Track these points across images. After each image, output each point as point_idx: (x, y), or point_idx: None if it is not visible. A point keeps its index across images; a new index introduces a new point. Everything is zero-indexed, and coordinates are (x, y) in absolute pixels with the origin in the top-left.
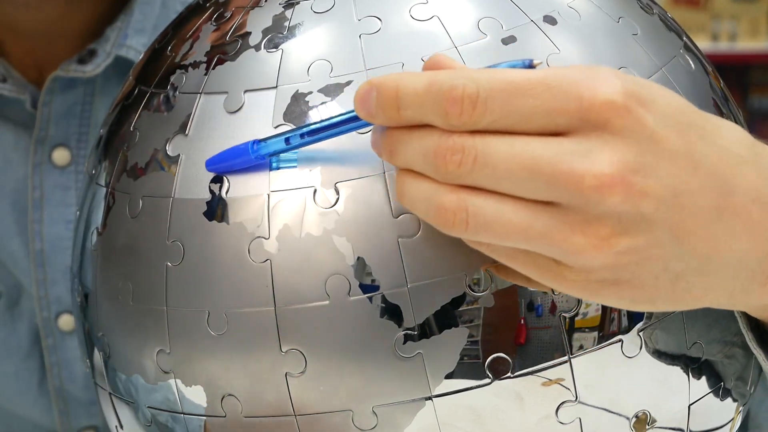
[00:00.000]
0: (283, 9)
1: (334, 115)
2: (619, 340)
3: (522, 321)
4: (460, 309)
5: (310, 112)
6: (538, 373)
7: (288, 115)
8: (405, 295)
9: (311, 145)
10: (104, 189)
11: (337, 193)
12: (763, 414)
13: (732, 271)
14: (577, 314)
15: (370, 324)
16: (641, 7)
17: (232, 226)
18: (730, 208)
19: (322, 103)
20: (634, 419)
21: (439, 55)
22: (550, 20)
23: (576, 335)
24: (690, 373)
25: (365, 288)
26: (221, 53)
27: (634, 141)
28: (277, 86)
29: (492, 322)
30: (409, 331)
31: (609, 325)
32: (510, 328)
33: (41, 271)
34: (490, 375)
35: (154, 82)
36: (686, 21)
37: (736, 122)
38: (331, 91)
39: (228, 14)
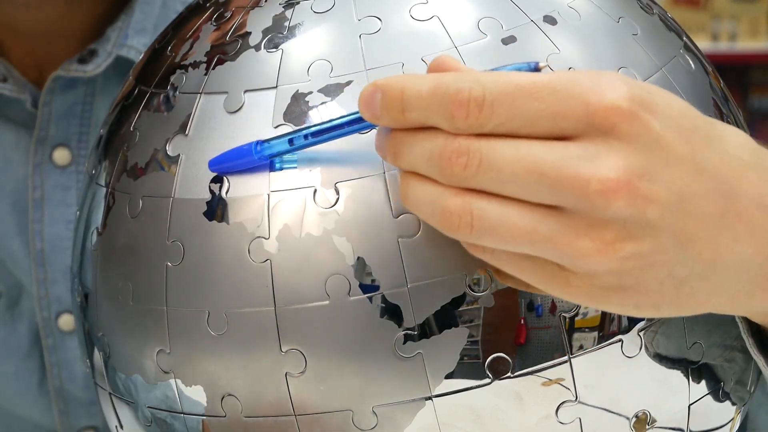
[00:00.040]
0: (283, 9)
1: (337, 116)
2: (619, 340)
3: (522, 321)
4: (460, 309)
5: (310, 112)
6: (538, 373)
7: (288, 115)
8: (405, 295)
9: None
10: (104, 189)
11: (337, 193)
12: (762, 417)
13: (735, 276)
14: (577, 314)
15: (370, 324)
16: (641, 7)
17: (232, 226)
18: (734, 213)
19: (322, 103)
20: (634, 419)
21: (443, 56)
22: (550, 20)
23: (576, 335)
24: (690, 376)
25: (365, 288)
26: (221, 53)
27: (640, 146)
28: (277, 86)
29: (492, 322)
30: (409, 331)
31: (609, 325)
32: (510, 328)
33: (41, 270)
34: (490, 375)
35: (154, 82)
36: (686, 21)
37: (736, 122)
38: (331, 91)
39: (228, 14)
